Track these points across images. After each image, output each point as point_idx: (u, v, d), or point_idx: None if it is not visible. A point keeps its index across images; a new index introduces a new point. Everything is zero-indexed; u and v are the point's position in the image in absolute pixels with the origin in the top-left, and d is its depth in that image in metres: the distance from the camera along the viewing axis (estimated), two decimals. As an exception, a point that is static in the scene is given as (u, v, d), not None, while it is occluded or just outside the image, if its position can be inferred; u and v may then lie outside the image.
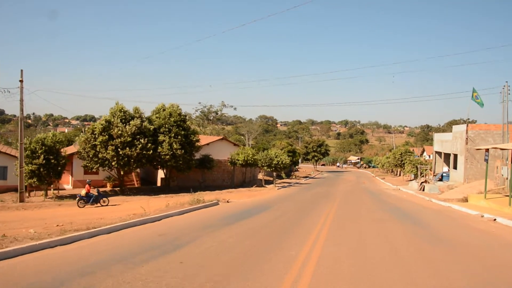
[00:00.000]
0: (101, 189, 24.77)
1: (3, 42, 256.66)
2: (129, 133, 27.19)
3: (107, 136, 27.12)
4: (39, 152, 25.51)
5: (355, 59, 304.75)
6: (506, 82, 24.00)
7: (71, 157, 31.40)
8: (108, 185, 32.76)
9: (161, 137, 29.19)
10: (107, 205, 21.00)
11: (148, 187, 33.38)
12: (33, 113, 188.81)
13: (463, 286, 5.74)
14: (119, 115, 28.29)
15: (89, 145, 27.44)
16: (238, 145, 41.31)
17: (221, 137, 41.70)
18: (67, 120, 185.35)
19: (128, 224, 10.44)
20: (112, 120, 27.83)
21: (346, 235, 9.79)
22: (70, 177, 33.46)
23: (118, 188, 30.03)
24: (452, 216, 15.11)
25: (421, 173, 38.53)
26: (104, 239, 8.51)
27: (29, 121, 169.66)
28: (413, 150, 60.18)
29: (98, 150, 27.20)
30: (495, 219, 13.49)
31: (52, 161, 25.97)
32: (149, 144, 28.07)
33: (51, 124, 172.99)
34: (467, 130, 28.96)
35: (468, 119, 33.67)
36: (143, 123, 29.00)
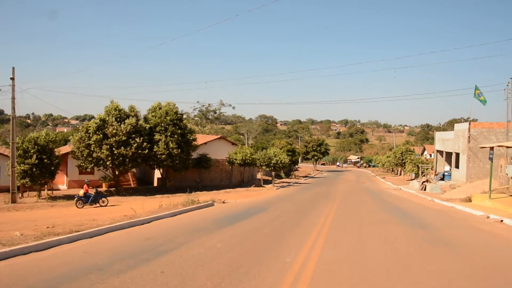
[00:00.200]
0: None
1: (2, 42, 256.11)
2: (124, 132, 26.60)
3: (101, 135, 26.54)
4: (32, 151, 24.90)
5: (355, 58, 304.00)
6: (511, 78, 23.34)
7: (65, 156, 30.83)
8: (103, 185, 32.15)
9: (157, 136, 28.59)
10: (106, 205, 20.51)
11: (144, 187, 32.79)
12: (33, 113, 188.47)
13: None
14: (114, 113, 27.71)
15: (83, 144, 26.85)
16: (236, 144, 40.69)
17: (219, 136, 41.08)
18: (67, 120, 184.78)
19: (115, 227, 9.83)
20: (107, 118, 27.26)
21: (345, 239, 9.16)
22: (65, 177, 32.89)
23: (114, 189, 29.44)
24: (456, 216, 14.48)
25: (422, 173, 37.89)
26: (85, 244, 7.90)
27: (28, 121, 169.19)
28: (413, 149, 59.49)
29: (92, 149, 26.62)
30: (501, 220, 12.89)
31: (45, 160, 25.36)
32: (145, 143, 27.49)
33: (50, 124, 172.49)
34: (469, 129, 28.34)
35: (469, 118, 33.08)
36: (139, 122, 28.44)
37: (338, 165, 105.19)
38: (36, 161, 24.80)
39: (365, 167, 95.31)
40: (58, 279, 5.32)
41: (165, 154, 28.07)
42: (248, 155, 33.21)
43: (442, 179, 33.10)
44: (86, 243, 7.95)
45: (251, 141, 75.83)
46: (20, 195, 26.99)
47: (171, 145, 28.23)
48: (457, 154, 31.02)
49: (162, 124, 29.11)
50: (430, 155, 57.56)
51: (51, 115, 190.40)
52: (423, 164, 40.38)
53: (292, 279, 5.71)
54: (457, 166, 31.29)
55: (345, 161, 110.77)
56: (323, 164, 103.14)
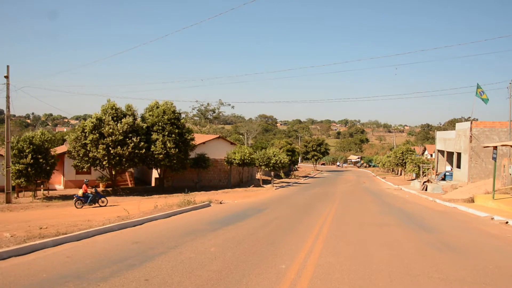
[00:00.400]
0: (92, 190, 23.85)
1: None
2: (121, 131, 26.19)
3: (97, 135, 26.12)
4: (27, 151, 24.52)
5: (355, 55, 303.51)
6: (513, 77, 22.90)
7: (62, 156, 30.44)
8: (101, 185, 31.73)
9: (154, 136, 28.18)
10: (105, 205, 20.12)
11: (142, 187, 32.39)
12: (32, 113, 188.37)
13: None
14: (110, 112, 27.29)
15: (79, 144, 26.45)
16: (235, 144, 40.28)
17: (217, 135, 40.65)
18: (67, 120, 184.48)
19: (104, 230, 9.42)
20: (104, 117, 26.85)
21: (345, 243, 8.68)
22: (62, 177, 32.49)
23: (110, 189, 29.03)
24: (460, 218, 14.05)
25: (423, 173, 37.48)
26: (70, 248, 7.48)
27: (28, 120, 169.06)
28: (414, 149, 59.08)
29: (88, 149, 26.22)
30: (507, 222, 12.48)
31: (41, 160, 24.97)
32: (142, 143, 27.07)
33: (50, 124, 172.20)
34: (471, 128, 27.93)
35: (469, 117, 32.71)
36: (136, 121, 28.02)
37: (338, 165, 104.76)
38: (31, 160, 24.43)
39: (365, 167, 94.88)
40: (34, 288, 4.92)
41: (162, 153, 27.67)
42: (247, 155, 32.78)
43: (444, 179, 32.69)
44: (72, 247, 7.54)
45: (251, 141, 75.45)
46: (15, 195, 26.57)
47: (168, 144, 27.82)
48: (459, 154, 30.61)
49: (160, 124, 28.71)
50: (431, 155, 57.14)
51: (51, 115, 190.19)
52: (424, 164, 39.96)
53: (289, 285, 5.30)
54: (458, 166, 30.88)
55: (345, 161, 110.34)
56: (323, 164, 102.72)
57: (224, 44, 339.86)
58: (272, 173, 36.18)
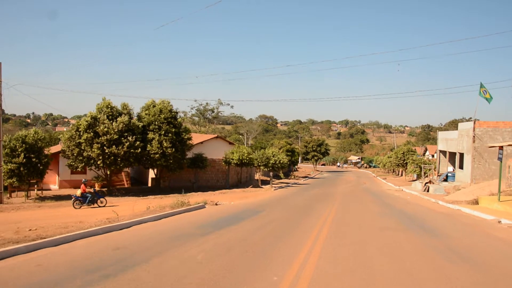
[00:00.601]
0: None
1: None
2: (116, 130, 25.61)
3: (92, 134, 25.53)
4: (19, 150, 23.91)
5: (356, 52, 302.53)
6: (518, 75, 22.29)
7: (56, 156, 29.84)
8: (96, 185, 31.12)
9: (150, 135, 27.59)
10: (104, 205, 19.56)
11: (138, 188, 31.79)
12: (33, 113, 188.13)
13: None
14: (106, 111, 26.71)
15: (73, 143, 25.86)
16: (233, 143, 39.67)
17: (216, 135, 40.04)
18: (67, 120, 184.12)
19: (88, 233, 8.82)
20: (99, 116, 26.26)
21: (344, 251, 7.99)
22: (57, 176, 31.90)
23: (106, 189, 28.44)
24: (465, 221, 13.41)
25: (424, 173, 36.84)
26: (44, 254, 6.88)
27: (28, 120, 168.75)
28: (415, 149, 58.46)
29: (83, 148, 25.63)
30: (515, 226, 11.86)
31: (34, 160, 24.36)
32: (138, 142, 26.48)
33: (50, 124, 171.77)
34: (474, 128, 27.31)
35: (471, 118, 32.14)
36: (132, 120, 27.43)
37: (339, 166, 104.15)
38: (24, 160, 23.83)
39: (366, 167, 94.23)
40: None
41: (158, 153, 27.08)
42: (245, 154, 32.17)
43: (445, 180, 32.09)
44: (46, 253, 6.93)
45: (251, 141, 74.90)
46: (8, 195, 25.99)
47: (165, 144, 27.24)
48: (461, 154, 29.99)
49: (156, 123, 28.12)
50: (433, 156, 56.50)
51: (51, 114, 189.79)
52: (426, 164, 39.34)
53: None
54: (461, 167, 30.26)
55: (346, 162, 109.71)
56: (323, 164, 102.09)
57: (224, 44, 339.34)
58: (271, 173, 35.59)
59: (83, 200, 19.09)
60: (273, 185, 33.65)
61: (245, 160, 32.18)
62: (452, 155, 33.46)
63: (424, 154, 65.00)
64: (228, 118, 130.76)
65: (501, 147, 17.81)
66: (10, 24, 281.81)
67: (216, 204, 17.61)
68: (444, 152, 35.89)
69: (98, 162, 25.87)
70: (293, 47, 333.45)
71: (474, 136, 27.17)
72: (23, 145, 24.09)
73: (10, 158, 23.67)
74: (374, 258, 7.46)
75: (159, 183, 30.82)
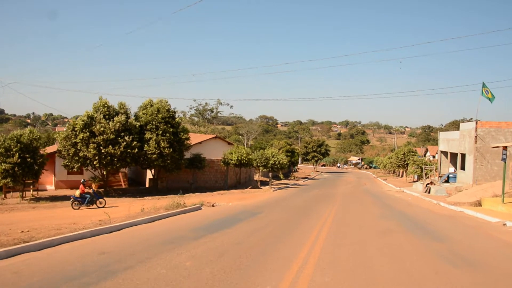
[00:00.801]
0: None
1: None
2: (113, 130, 25.21)
3: (88, 133, 25.12)
4: (14, 150, 23.47)
5: (357, 49, 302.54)
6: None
7: (53, 156, 29.44)
8: (93, 185, 30.73)
9: (147, 135, 27.18)
10: (103, 206, 19.15)
11: (135, 188, 31.37)
12: (33, 113, 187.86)
13: None
14: (102, 110, 26.32)
15: (69, 142, 25.46)
16: (232, 144, 39.25)
17: (214, 135, 39.62)
18: (67, 120, 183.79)
19: (74, 237, 8.42)
20: (95, 115, 25.86)
21: (344, 256, 7.55)
22: (53, 177, 31.49)
23: (102, 189, 28.03)
24: (468, 223, 12.99)
25: (425, 174, 36.41)
26: (24, 260, 6.46)
27: (28, 120, 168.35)
28: (415, 150, 58.01)
29: (79, 148, 25.22)
30: (520, 229, 11.44)
31: (29, 160, 23.92)
32: (135, 142, 26.06)
33: (50, 124, 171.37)
34: (476, 128, 26.89)
35: (472, 118, 31.75)
36: (129, 120, 27.00)
37: (339, 166, 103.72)
38: (19, 160, 23.39)
39: (366, 168, 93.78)
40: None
41: (156, 153, 26.68)
42: (244, 155, 31.74)
43: (447, 181, 31.67)
44: (27, 259, 6.52)
45: (251, 142, 74.54)
46: (2, 195, 25.59)
47: (162, 144, 26.84)
48: (463, 155, 29.57)
49: (153, 122, 27.72)
50: (434, 156, 56.04)
51: (51, 114, 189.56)
52: (427, 165, 38.90)
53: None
54: (462, 168, 29.84)
55: (346, 162, 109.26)
56: (323, 165, 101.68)
57: (224, 44, 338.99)
58: (270, 174, 35.17)
59: (82, 200, 18.73)
60: (272, 186, 33.23)
61: (244, 161, 31.76)
62: (454, 155, 33.03)
63: (425, 155, 64.53)
64: (228, 119, 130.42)
65: (505, 148, 17.39)
66: (10, 24, 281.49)
67: (213, 206, 17.19)
68: (445, 153, 35.45)
69: (94, 163, 25.47)
70: (293, 47, 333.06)
71: (476, 137, 26.76)
72: (18, 144, 23.66)
73: (4, 158, 23.24)
74: (376, 263, 7.02)
75: (156, 184, 30.40)
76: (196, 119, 67.65)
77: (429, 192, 27.87)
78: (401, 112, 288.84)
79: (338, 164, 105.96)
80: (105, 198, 24.62)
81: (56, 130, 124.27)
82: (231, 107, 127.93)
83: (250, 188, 32.70)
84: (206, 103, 64.51)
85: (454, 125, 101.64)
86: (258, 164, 33.66)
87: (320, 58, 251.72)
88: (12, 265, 6.10)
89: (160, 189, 29.82)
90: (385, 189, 35.65)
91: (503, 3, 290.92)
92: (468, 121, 51.36)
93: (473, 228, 11.98)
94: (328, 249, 8.12)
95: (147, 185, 32.80)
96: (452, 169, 33.74)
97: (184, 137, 29.27)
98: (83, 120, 25.44)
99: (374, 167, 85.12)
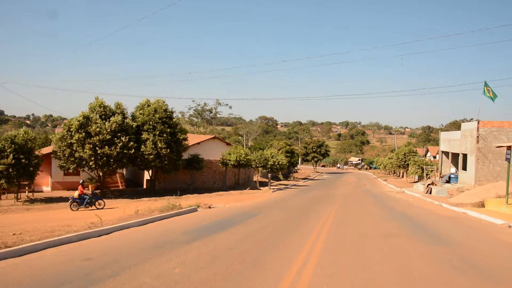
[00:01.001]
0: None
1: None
2: (109, 130, 24.81)
3: (84, 134, 24.73)
4: (8, 151, 23.10)
5: (357, 45, 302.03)
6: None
7: (49, 157, 29.05)
8: (90, 186, 30.35)
9: (144, 135, 26.78)
10: (102, 208, 18.83)
11: (132, 189, 30.96)
12: (32, 114, 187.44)
13: None
14: (98, 110, 25.93)
15: (65, 143, 25.06)
16: (231, 144, 38.84)
17: (213, 136, 39.20)
18: (66, 121, 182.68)
19: (60, 241, 8.01)
20: (91, 116, 25.47)
21: (344, 262, 7.07)
22: (49, 178, 31.10)
23: (99, 191, 27.63)
24: (473, 226, 12.56)
25: (426, 175, 35.98)
26: (3, 267, 6.04)
27: (28, 121, 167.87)
28: (416, 150, 57.57)
29: (74, 149, 24.83)
30: (527, 231, 11.02)
31: (23, 160, 23.53)
32: (131, 143, 25.66)
33: (49, 125, 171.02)
34: (478, 128, 26.48)
35: (472, 118, 31.36)
36: (125, 120, 26.59)
37: (339, 167, 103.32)
38: (13, 161, 23.01)
39: (366, 169, 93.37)
40: None
41: (153, 154, 26.27)
42: (243, 155, 31.33)
43: (448, 181, 31.25)
44: (5, 266, 6.10)
45: (250, 143, 74.11)
46: (-3, 197, 25.19)
47: (159, 144, 26.44)
48: (465, 155, 29.16)
49: (150, 123, 27.32)
50: (434, 157, 55.61)
51: (51, 116, 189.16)
52: (428, 165, 38.48)
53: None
54: (464, 168, 29.43)
55: (346, 163, 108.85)
56: (323, 166, 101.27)
57: (224, 45, 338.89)
58: (269, 175, 34.75)
59: (80, 202, 18.39)
60: (271, 187, 32.82)
61: (243, 161, 31.36)
62: (455, 156, 32.63)
63: (425, 155, 64.11)
64: (228, 120, 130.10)
65: (509, 147, 16.97)
66: (10, 24, 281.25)
67: (209, 207, 16.78)
68: (446, 153, 35.05)
69: (90, 163, 25.08)
70: (293, 47, 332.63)
71: (478, 137, 26.36)
72: (12, 145, 23.28)
73: (-2, 159, 22.87)
74: (378, 271, 6.51)
75: (154, 185, 30.00)
76: (195, 119, 67.21)
77: (430, 193, 27.45)
78: (401, 112, 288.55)
79: (338, 165, 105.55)
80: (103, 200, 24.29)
81: (56, 131, 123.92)
82: (230, 107, 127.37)
83: (249, 189, 32.29)
84: (205, 104, 64.16)
85: (455, 126, 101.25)
86: (257, 165, 33.25)
87: (319, 55, 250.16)
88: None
89: (157, 190, 29.42)
90: (385, 189, 35.23)
91: (503, 3, 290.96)
92: (468, 121, 50.94)
93: (478, 230, 11.55)
94: (327, 255, 7.67)
95: (144, 186, 32.40)
96: (453, 170, 33.34)
97: (181, 137, 28.87)
98: (78, 121, 25.05)
99: (374, 168, 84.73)
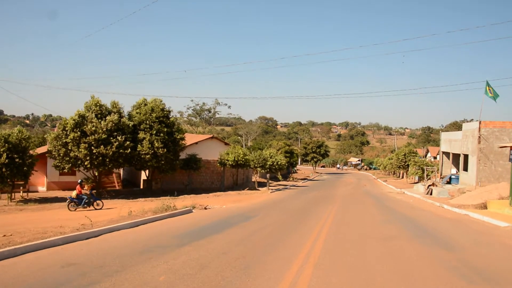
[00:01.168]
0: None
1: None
2: (105, 129, 24.40)
3: (79, 133, 24.32)
4: (2, 150, 22.67)
5: (357, 43, 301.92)
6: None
7: (44, 156, 28.63)
8: (86, 186, 29.94)
9: (141, 135, 26.37)
10: (100, 208, 18.52)
11: (128, 190, 30.54)
12: (32, 114, 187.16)
13: None
14: (94, 109, 25.53)
15: (60, 142, 24.65)
16: (229, 144, 38.43)
17: (211, 135, 38.79)
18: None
19: (42, 245, 7.59)
20: (87, 115, 25.06)
21: (343, 268, 6.62)
22: (45, 178, 30.68)
23: (94, 191, 27.20)
24: (476, 228, 12.15)
25: (427, 175, 35.58)
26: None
27: (27, 121, 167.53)
28: (416, 151, 57.18)
29: (69, 148, 24.42)
30: (532, 234, 10.62)
31: (17, 160, 23.11)
32: (128, 142, 25.23)
33: (49, 125, 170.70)
34: (479, 128, 26.08)
35: (472, 119, 31.00)
36: (122, 119, 26.17)
37: (338, 168, 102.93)
38: (7, 160, 22.58)
39: (366, 169, 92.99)
40: None
41: (149, 154, 25.87)
42: (241, 155, 30.92)
43: (449, 182, 30.85)
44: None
45: (250, 143, 73.75)
46: (-9, 197, 24.78)
47: (156, 144, 26.02)
48: (466, 156, 28.76)
49: (147, 122, 26.91)
50: (435, 157, 55.21)
51: (50, 115, 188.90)
52: (428, 166, 38.08)
53: None
54: (465, 169, 29.03)
55: (346, 164, 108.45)
56: (323, 166, 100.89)
57: (223, 45, 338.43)
58: (268, 175, 34.35)
59: (78, 202, 18.04)
60: (270, 188, 32.42)
61: (241, 161, 30.96)
62: (456, 156, 32.23)
63: (425, 156, 63.72)
64: (228, 120, 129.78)
65: (512, 148, 16.60)
66: (10, 24, 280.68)
67: (205, 208, 16.36)
68: (447, 154, 34.64)
69: (86, 163, 24.65)
70: (293, 48, 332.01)
71: (479, 137, 25.96)
72: (6, 144, 22.86)
73: (-9, 158, 22.46)
74: (379, 274, 6.15)
75: (150, 185, 29.58)
76: (194, 119, 66.80)
77: (431, 194, 27.06)
78: (401, 113, 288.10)
79: (338, 165, 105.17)
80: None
81: (55, 130, 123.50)
82: (229, 107, 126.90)
83: (247, 189, 31.90)
84: (204, 103, 63.70)
85: (455, 126, 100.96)
86: (256, 165, 32.85)
87: (318, 52, 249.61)
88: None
89: (154, 191, 29.01)
90: (385, 190, 34.83)
91: (505, 5, 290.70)
92: (469, 121, 50.57)
93: (482, 234, 11.13)
94: (325, 261, 7.25)
95: (141, 187, 31.99)
96: (454, 170, 32.95)
97: (179, 137, 28.46)
98: (74, 120, 24.64)
99: (374, 168, 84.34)
